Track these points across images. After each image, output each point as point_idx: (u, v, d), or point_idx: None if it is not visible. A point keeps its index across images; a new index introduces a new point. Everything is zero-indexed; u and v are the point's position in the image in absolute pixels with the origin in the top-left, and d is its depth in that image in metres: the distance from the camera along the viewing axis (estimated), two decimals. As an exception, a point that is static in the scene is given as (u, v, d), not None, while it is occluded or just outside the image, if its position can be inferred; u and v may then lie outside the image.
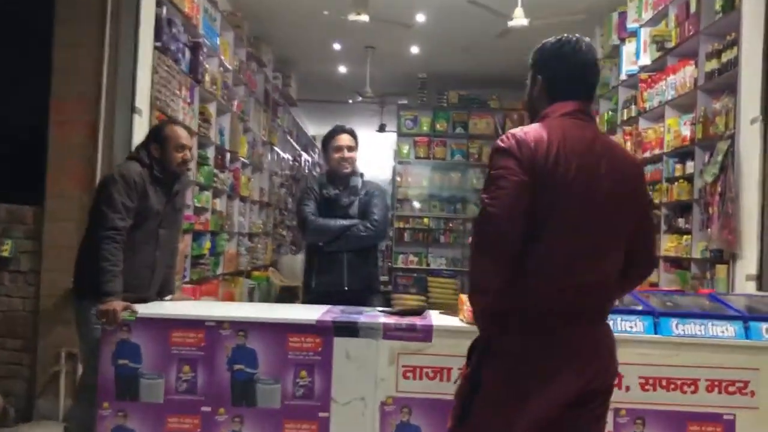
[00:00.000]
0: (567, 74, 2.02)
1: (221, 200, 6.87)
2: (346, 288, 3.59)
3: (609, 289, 1.99)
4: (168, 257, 3.31)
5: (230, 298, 6.79)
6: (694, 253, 5.01)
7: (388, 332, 2.83)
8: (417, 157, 10.78)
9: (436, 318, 3.04)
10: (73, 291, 3.12)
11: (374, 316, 3.01)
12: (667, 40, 5.70)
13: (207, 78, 6.04)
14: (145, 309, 2.92)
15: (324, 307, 3.20)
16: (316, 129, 16.21)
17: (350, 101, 12.29)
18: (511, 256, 1.84)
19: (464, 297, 3.03)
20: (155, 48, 4.65)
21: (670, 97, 5.58)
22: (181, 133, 3.22)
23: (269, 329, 2.84)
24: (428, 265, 10.65)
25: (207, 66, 6.07)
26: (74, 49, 4.31)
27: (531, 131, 1.92)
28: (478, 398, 1.91)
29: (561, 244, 1.87)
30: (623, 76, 6.72)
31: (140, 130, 4.39)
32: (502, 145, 1.91)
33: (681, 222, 5.36)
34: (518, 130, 1.93)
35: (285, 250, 10.90)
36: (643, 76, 6.18)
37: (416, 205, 10.89)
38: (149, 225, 3.13)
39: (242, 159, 7.61)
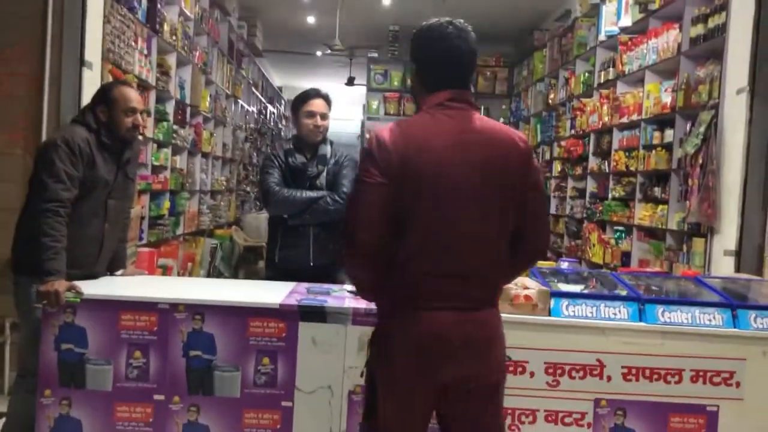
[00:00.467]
0: (434, 61, 1.99)
1: (182, 157, 6.54)
2: (312, 264, 3.36)
3: (488, 277, 1.97)
4: (119, 230, 3.04)
5: (191, 259, 6.54)
6: (670, 224, 4.90)
7: (358, 317, 2.62)
8: (387, 114, 10.48)
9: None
10: (10, 265, 2.84)
11: (342, 298, 2.80)
12: (651, 1, 5.48)
13: (166, 28, 5.64)
14: (91, 289, 2.66)
15: (288, 286, 2.98)
16: (282, 80, 15.73)
17: (319, 53, 11.86)
18: (379, 254, 1.90)
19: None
20: (106, -6, 4.27)
21: (651, 62, 5.39)
22: (131, 94, 2.91)
23: (228, 313, 2.62)
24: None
25: (165, 15, 5.67)
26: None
27: (394, 130, 1.93)
28: (376, 389, 1.99)
29: (425, 237, 1.89)
30: (602, 37, 6.51)
31: (91, 86, 4.05)
32: (366, 147, 1.96)
33: (657, 191, 5.23)
34: (383, 129, 1.94)
35: (249, 207, 10.60)
36: (623, 38, 5.97)
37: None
38: (97, 196, 2.84)
39: (204, 113, 7.25)
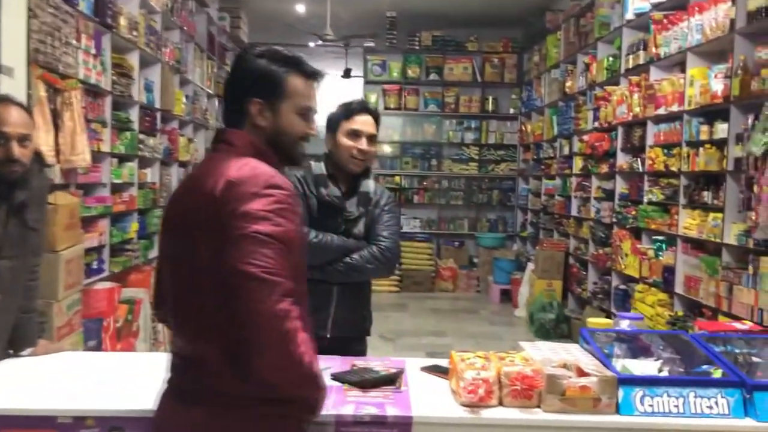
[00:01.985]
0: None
1: (153, 170, 5.74)
2: (329, 336, 2.48)
3: (200, 362, 1.53)
4: (18, 298, 2.24)
5: (168, 285, 5.74)
6: (727, 238, 4.08)
7: (343, 429, 1.83)
8: (387, 108, 9.65)
9: (418, 395, 2.05)
10: None
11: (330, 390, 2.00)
12: (692, -30, 4.64)
13: (122, 22, 4.82)
14: (-38, 399, 1.87)
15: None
16: (276, 74, 14.90)
17: (312, 44, 11.02)
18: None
19: (459, 358, 2.04)
20: (32, -16, 3.46)
21: (694, 43, 4.55)
22: (4, 114, 2.11)
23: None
24: (400, 227, 9.66)
25: (122, 7, 4.84)
26: None
27: None
28: None
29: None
30: (629, 16, 5.67)
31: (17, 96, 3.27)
32: None
33: (707, 196, 4.41)
34: None
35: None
36: (657, 15, 5.14)
37: (387, 149, 9.80)
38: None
39: (180, 117, 6.43)
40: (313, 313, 2.44)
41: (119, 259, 4.95)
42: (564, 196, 7.50)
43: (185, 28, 6.55)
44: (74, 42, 3.96)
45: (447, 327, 7.09)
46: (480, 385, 1.88)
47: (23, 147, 2.13)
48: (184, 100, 6.50)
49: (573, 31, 7.20)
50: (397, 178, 9.74)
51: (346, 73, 11.89)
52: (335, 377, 2.13)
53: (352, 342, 2.54)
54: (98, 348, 4.18)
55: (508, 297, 8.42)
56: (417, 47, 9.61)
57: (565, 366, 1.95)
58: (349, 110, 2.54)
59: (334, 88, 14.58)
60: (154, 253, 5.78)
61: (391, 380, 2.11)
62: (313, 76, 1.67)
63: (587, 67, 6.72)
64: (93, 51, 4.24)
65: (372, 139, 2.51)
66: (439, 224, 9.80)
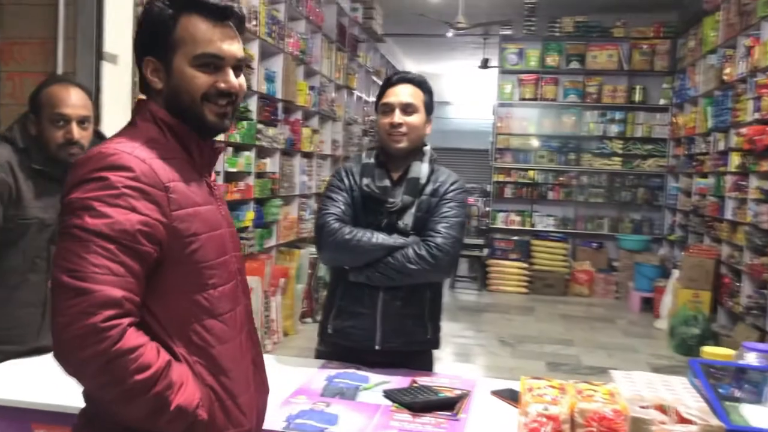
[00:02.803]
0: None
1: (273, 160, 5.76)
2: (377, 348, 2.19)
3: None
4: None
5: (284, 274, 5.75)
6: None
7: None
8: (522, 99, 9.17)
9: (477, 425, 1.75)
10: None
11: (367, 408, 1.76)
12: None
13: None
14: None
15: (307, 372, 1.99)
16: (415, 66, 14.75)
17: (449, 34, 10.75)
18: None
19: (528, 385, 1.71)
20: (140, -28, 3.49)
21: None
22: (64, 95, 2.05)
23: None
24: (533, 225, 9.17)
25: (240, -4, 4.86)
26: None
27: None
28: None
29: None
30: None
31: (117, 83, 3.33)
32: None
33: None
34: None
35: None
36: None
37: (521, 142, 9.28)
38: (32, 241, 2.03)
39: (304, 108, 6.43)
40: (359, 320, 2.22)
41: (232, 248, 4.99)
42: (717, 197, 6.68)
43: (312, 18, 6.53)
44: (185, 31, 3.99)
45: (576, 335, 6.56)
46: (545, 424, 1.55)
47: (83, 129, 2.08)
48: (308, 91, 6.48)
49: (734, 11, 6.36)
50: (531, 173, 9.23)
51: (484, 64, 11.52)
52: (387, 395, 1.89)
53: (411, 356, 2.24)
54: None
55: (649, 306, 7.68)
56: (557, 34, 9.03)
57: (661, 408, 1.57)
58: (384, 85, 2.27)
59: (472, 80, 14.36)
60: (271, 242, 5.83)
61: (450, 404, 1.83)
62: (215, 12, 1.28)
63: (748, 51, 5.89)
64: (206, 40, 4.25)
65: (409, 109, 2.20)
66: (576, 223, 9.16)
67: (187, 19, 1.27)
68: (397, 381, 2.04)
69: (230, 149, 4.87)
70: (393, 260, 2.11)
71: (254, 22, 5.10)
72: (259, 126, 5.32)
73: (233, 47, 1.31)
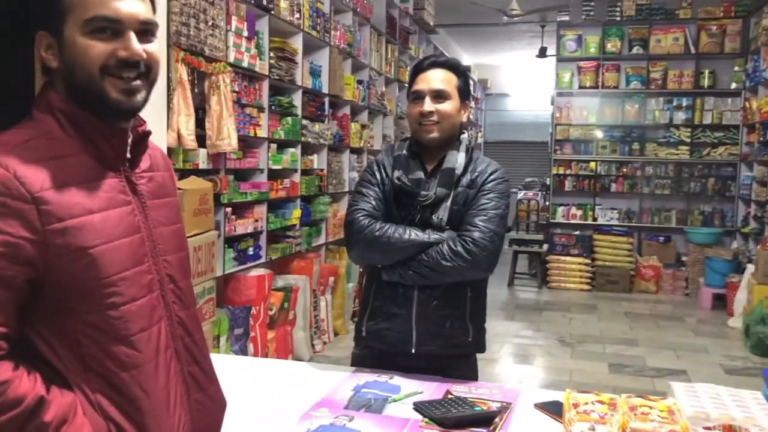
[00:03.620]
0: None
1: (319, 156, 5.64)
2: (413, 351, 2.02)
3: None
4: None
5: (333, 273, 5.63)
6: None
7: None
8: (582, 87, 8.79)
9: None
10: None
11: (392, 424, 1.59)
12: None
13: (282, 4, 4.73)
14: None
15: (332, 382, 1.83)
16: (472, 57, 14.45)
17: (505, 18, 10.42)
18: None
19: (573, 400, 1.50)
20: (174, -36, 3.41)
21: None
22: None
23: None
24: (595, 219, 8.79)
25: (282, -12, 4.75)
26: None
27: None
28: None
29: None
30: None
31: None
32: None
33: None
34: None
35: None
36: None
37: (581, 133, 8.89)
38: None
39: (352, 102, 6.29)
40: (393, 321, 2.05)
41: (279, 246, 4.90)
42: (796, 186, 6.20)
43: (359, 10, 6.38)
44: (223, 24, 3.89)
45: (641, 335, 6.21)
46: (591, 446, 1.34)
47: None
48: (356, 85, 6.33)
49: (813, -18, 5.88)
50: (593, 164, 8.84)
51: (542, 53, 11.17)
52: (417, 407, 1.71)
53: (451, 361, 2.05)
54: (245, 336, 4.13)
55: (721, 303, 7.22)
56: (618, 18, 8.61)
57: (730, 429, 1.34)
58: (414, 71, 2.08)
59: (530, 70, 13.95)
60: (320, 240, 5.72)
61: (486, 420, 1.63)
62: None
63: (830, 25, 5.42)
64: (245, 33, 4.15)
65: (441, 96, 2.01)
66: (641, 216, 8.73)
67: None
68: (432, 390, 1.86)
69: (274, 146, 4.77)
70: (427, 257, 1.94)
71: (297, 15, 4.99)
72: (304, 122, 5.20)
73: (134, 7, 1.09)
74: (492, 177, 2.04)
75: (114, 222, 1.09)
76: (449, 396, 1.80)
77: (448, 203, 2.01)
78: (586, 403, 1.47)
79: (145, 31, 1.11)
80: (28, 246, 1.00)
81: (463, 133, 2.12)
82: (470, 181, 2.03)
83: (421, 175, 2.04)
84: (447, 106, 2.02)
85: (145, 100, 1.14)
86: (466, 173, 2.04)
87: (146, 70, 1.11)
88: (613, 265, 8.32)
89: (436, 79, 2.03)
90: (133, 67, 1.09)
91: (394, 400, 1.77)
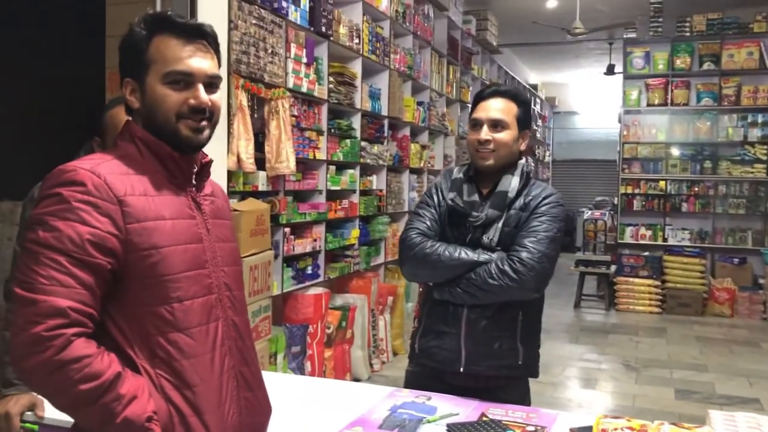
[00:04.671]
0: None
1: (378, 177, 5.72)
2: (462, 370, 2.04)
3: None
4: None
5: (391, 292, 5.68)
6: None
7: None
8: (650, 104, 8.58)
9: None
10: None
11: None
12: None
13: (341, 30, 4.86)
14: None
15: (371, 401, 1.87)
16: (539, 75, 14.35)
17: (569, 38, 10.33)
18: None
19: (602, 426, 1.49)
20: (235, -4, 3.58)
21: None
22: (124, 117, 2.05)
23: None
24: (665, 240, 8.52)
25: (341, 15, 4.88)
26: (125, 6, 3.39)
27: None
28: None
29: None
30: None
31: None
32: None
33: None
34: None
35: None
36: None
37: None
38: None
39: (413, 124, 6.36)
40: (443, 339, 2.08)
41: (337, 265, 4.99)
42: None
43: (419, 33, 6.47)
44: (282, 51, 4.04)
45: (712, 360, 5.96)
46: (617, 474, 1.33)
47: None
48: (416, 106, 6.41)
49: None
50: (662, 183, 8.59)
51: (609, 70, 11.03)
52: (450, 429, 1.73)
53: (502, 382, 2.06)
54: (303, 354, 4.21)
55: (802, 328, 6.86)
56: (687, 34, 8.38)
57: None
58: (476, 98, 2.13)
59: (598, 88, 13.71)
60: (378, 259, 5.79)
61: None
62: (186, 32, 1.30)
63: None
64: (304, 60, 4.29)
65: (498, 125, 2.06)
66: (714, 237, 8.40)
67: (159, 40, 1.31)
68: (468, 413, 1.87)
69: (333, 167, 4.88)
70: (475, 276, 1.98)
71: (356, 41, 5.11)
72: (363, 144, 5.30)
73: (203, 64, 1.32)
74: (546, 201, 2.07)
75: (181, 229, 1.29)
76: (484, 418, 1.81)
77: (500, 225, 2.05)
78: (616, 429, 1.46)
79: (211, 84, 1.34)
80: (113, 239, 1.19)
81: (521, 159, 2.16)
82: (524, 204, 2.07)
83: (476, 197, 2.10)
84: (504, 136, 2.07)
85: (209, 137, 1.36)
86: (520, 197, 2.08)
87: (210, 115, 1.33)
88: (684, 287, 8.03)
89: (495, 108, 2.09)
90: (200, 112, 1.31)
91: (428, 422, 1.80)
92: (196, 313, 1.27)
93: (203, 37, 1.33)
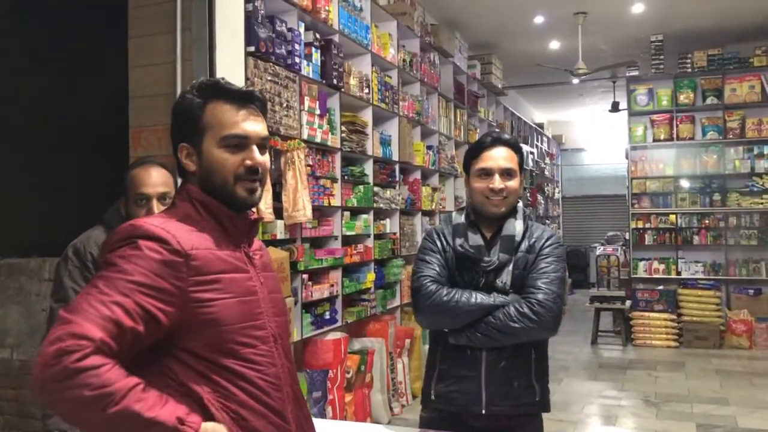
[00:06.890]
0: None
1: (392, 221, 5.84)
2: (484, 412, 2.11)
3: None
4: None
5: (408, 335, 5.73)
6: None
7: None
8: (656, 140, 8.71)
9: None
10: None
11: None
12: None
13: (352, 81, 5.03)
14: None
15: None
16: (544, 114, 14.55)
17: (575, 81, 10.54)
18: None
19: None
20: (251, 54, 3.75)
21: None
22: (144, 176, 2.17)
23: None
24: (679, 273, 8.54)
25: (351, 67, 5.07)
26: (148, 68, 3.58)
27: None
28: None
29: None
30: None
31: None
32: None
33: None
34: None
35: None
36: None
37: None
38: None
39: (423, 167, 6.50)
40: (462, 383, 2.14)
41: (354, 309, 5.07)
42: None
43: (426, 80, 6.66)
44: (296, 105, 4.20)
45: (732, 393, 5.94)
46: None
47: (163, 205, 2.20)
48: (425, 150, 6.56)
49: None
50: (672, 217, 8.65)
51: (614, 107, 11.18)
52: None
53: (520, 421, 2.13)
54: (324, 399, 4.26)
55: (822, 358, 6.82)
56: (689, 70, 8.55)
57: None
58: (477, 147, 2.23)
59: (604, 124, 13.88)
60: (394, 302, 5.86)
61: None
62: (239, 98, 1.40)
63: None
64: (317, 111, 4.45)
65: (509, 174, 2.17)
66: (728, 269, 8.41)
67: (213, 106, 1.39)
68: (490, 450, 1.93)
69: (347, 213, 5.00)
70: (495, 320, 2.06)
71: (366, 90, 5.28)
72: (376, 189, 5.43)
73: (257, 127, 1.43)
74: (549, 242, 2.18)
75: (238, 283, 1.36)
76: (507, 456, 1.87)
77: (510, 268, 2.14)
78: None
79: (263, 145, 1.44)
80: (173, 291, 1.26)
81: (519, 202, 2.27)
82: (529, 246, 2.17)
83: (480, 241, 2.18)
84: (514, 183, 2.19)
85: (261, 197, 1.45)
86: (524, 239, 2.18)
87: (261, 176, 1.43)
88: (700, 320, 8.01)
89: (503, 157, 2.19)
90: (255, 173, 1.40)
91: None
92: (258, 361, 1.36)
93: (253, 101, 1.43)
